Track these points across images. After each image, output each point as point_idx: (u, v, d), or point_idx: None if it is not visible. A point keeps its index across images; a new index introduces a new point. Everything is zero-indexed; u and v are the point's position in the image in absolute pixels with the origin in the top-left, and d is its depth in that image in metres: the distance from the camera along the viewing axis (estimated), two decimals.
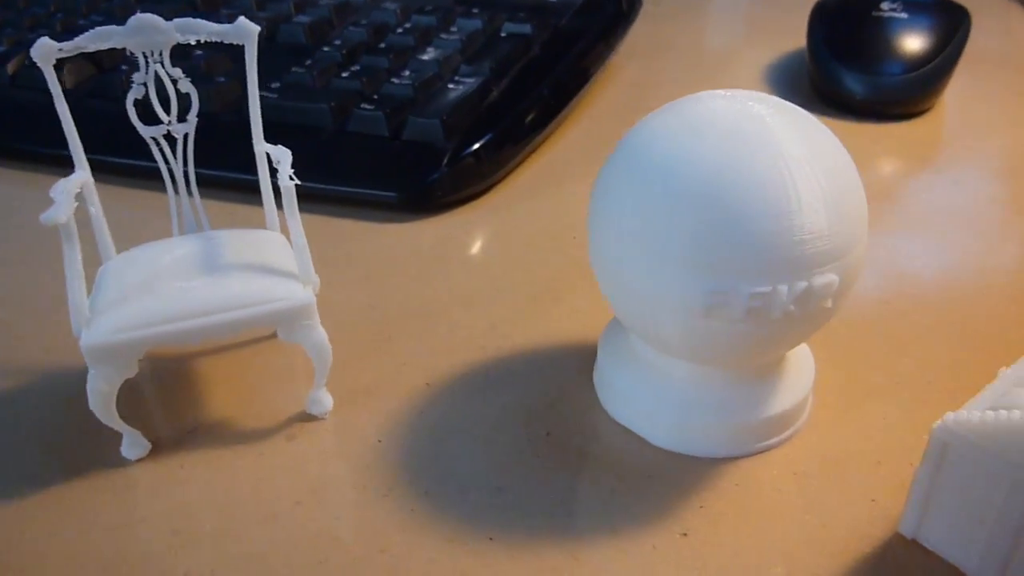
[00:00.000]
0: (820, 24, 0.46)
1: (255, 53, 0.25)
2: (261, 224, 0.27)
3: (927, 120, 0.44)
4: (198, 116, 0.25)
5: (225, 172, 0.36)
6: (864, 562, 0.21)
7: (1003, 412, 0.18)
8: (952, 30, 0.44)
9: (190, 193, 0.26)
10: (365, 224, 0.35)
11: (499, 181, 0.38)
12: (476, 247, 0.33)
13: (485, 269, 0.32)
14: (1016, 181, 0.38)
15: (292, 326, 0.23)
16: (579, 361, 0.27)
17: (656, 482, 0.23)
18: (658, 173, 0.21)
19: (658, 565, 0.21)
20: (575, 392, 0.26)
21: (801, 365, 0.25)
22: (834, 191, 0.21)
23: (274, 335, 0.27)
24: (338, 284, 0.31)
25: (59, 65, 0.42)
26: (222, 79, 0.39)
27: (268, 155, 0.25)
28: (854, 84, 0.44)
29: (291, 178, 0.23)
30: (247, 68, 0.25)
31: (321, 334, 0.24)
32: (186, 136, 0.25)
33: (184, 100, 0.25)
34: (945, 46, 0.44)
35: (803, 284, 0.20)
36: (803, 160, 0.20)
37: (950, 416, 0.19)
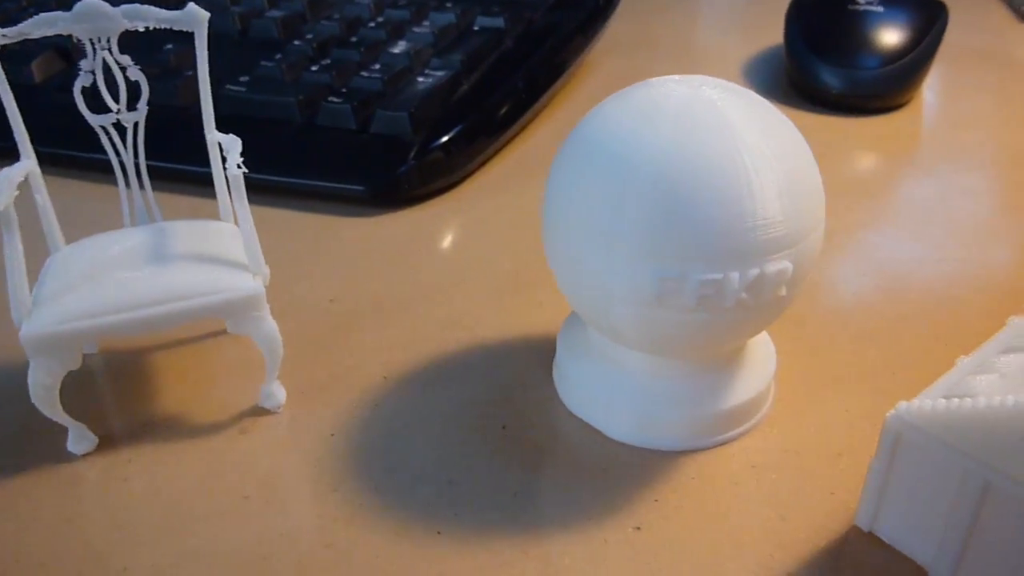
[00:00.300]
0: (797, 18, 0.46)
1: (205, 40, 0.25)
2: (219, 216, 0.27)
3: (904, 114, 0.44)
4: (151, 106, 0.25)
5: (194, 167, 0.36)
6: (820, 555, 0.20)
7: (955, 400, 0.18)
8: (929, 24, 0.44)
9: (141, 184, 0.25)
10: (332, 218, 0.34)
11: (470, 174, 0.37)
12: (443, 241, 0.33)
13: (450, 262, 0.32)
14: (990, 175, 0.38)
15: (240, 318, 0.23)
16: (540, 354, 0.27)
17: (611, 476, 0.22)
18: (607, 159, 0.20)
19: (609, 559, 0.20)
20: (534, 385, 0.25)
21: (762, 356, 0.24)
22: (788, 176, 0.20)
23: None
24: (301, 278, 0.31)
25: (28, 59, 0.41)
26: (190, 73, 0.39)
27: (220, 145, 0.25)
28: (830, 78, 0.43)
29: (239, 167, 0.23)
30: (197, 55, 0.25)
31: (271, 326, 0.23)
32: (136, 125, 0.25)
33: (134, 88, 0.24)
34: (921, 40, 0.43)
35: (755, 271, 0.20)
36: (756, 144, 0.20)
37: (903, 405, 0.19)
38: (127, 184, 0.25)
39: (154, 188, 0.26)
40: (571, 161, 0.21)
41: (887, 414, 0.19)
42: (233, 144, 0.23)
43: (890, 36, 0.43)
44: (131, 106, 0.25)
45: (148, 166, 0.36)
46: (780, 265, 0.20)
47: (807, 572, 0.20)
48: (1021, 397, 0.17)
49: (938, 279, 0.30)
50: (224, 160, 0.23)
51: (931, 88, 0.47)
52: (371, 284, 0.30)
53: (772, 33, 0.50)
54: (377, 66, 0.39)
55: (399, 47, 0.40)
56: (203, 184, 0.35)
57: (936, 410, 0.18)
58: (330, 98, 0.36)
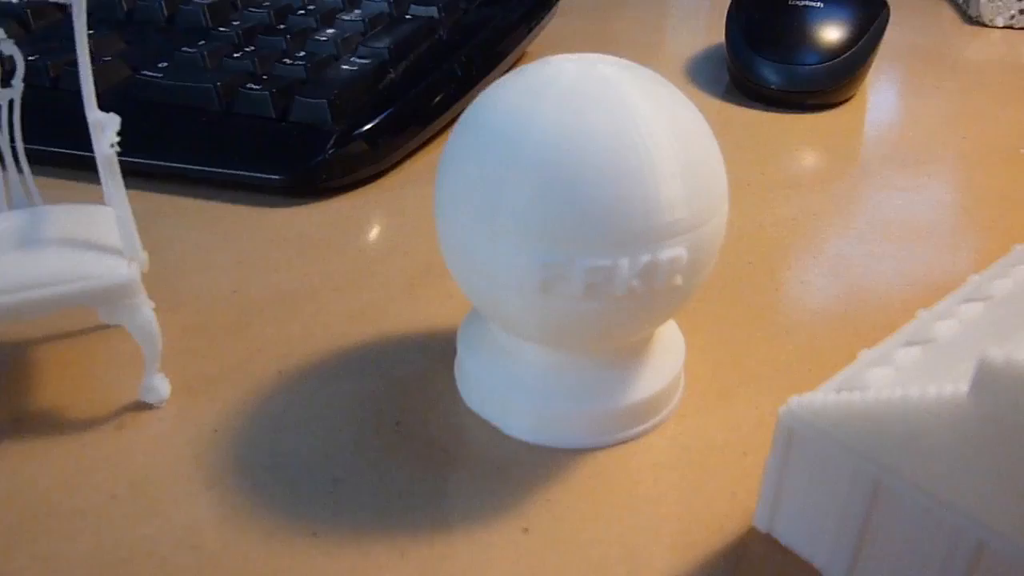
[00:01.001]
0: (738, 14, 0.45)
1: (84, 12, 0.23)
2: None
3: (844, 111, 0.43)
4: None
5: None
6: (715, 557, 0.19)
7: (845, 394, 0.17)
8: (869, 20, 0.43)
9: (19, 166, 0.24)
10: (248, 208, 0.33)
11: (395, 165, 0.36)
12: (359, 231, 0.32)
13: (363, 254, 0.30)
14: (924, 173, 0.37)
15: (113, 306, 0.21)
16: (444, 348, 0.25)
17: (504, 474, 0.21)
18: (494, 138, 0.19)
19: (491, 563, 0.19)
20: (434, 380, 0.24)
21: (669, 350, 0.23)
22: (686, 159, 0.19)
23: None
24: (205, 268, 0.29)
25: None
26: (108, 58, 0.37)
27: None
28: (770, 74, 0.43)
29: (113, 146, 0.21)
30: (75, 28, 0.24)
31: (146, 315, 0.22)
32: (11, 103, 0.23)
33: (8, 64, 0.23)
34: (861, 36, 0.43)
35: (647, 258, 0.19)
36: (651, 124, 0.19)
37: (794, 400, 0.18)
38: (3, 166, 0.24)
39: (50, 173, 0.24)
40: (458, 141, 0.20)
41: (779, 409, 0.18)
42: (110, 122, 0.22)
43: (829, 32, 0.43)
44: (5, 82, 0.23)
45: (46, 151, 0.34)
46: (674, 252, 0.19)
47: (698, 574, 0.19)
48: (909, 391, 0.16)
49: (863, 274, 0.30)
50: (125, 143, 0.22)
51: (873, 86, 0.46)
52: (278, 275, 0.29)
53: (717, 30, 0.49)
54: (302, 54, 0.38)
55: (326, 35, 0.39)
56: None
57: (826, 404, 0.17)
58: (249, 85, 0.35)
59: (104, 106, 0.36)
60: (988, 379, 0.14)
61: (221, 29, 0.40)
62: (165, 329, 0.26)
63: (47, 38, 0.40)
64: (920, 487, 0.16)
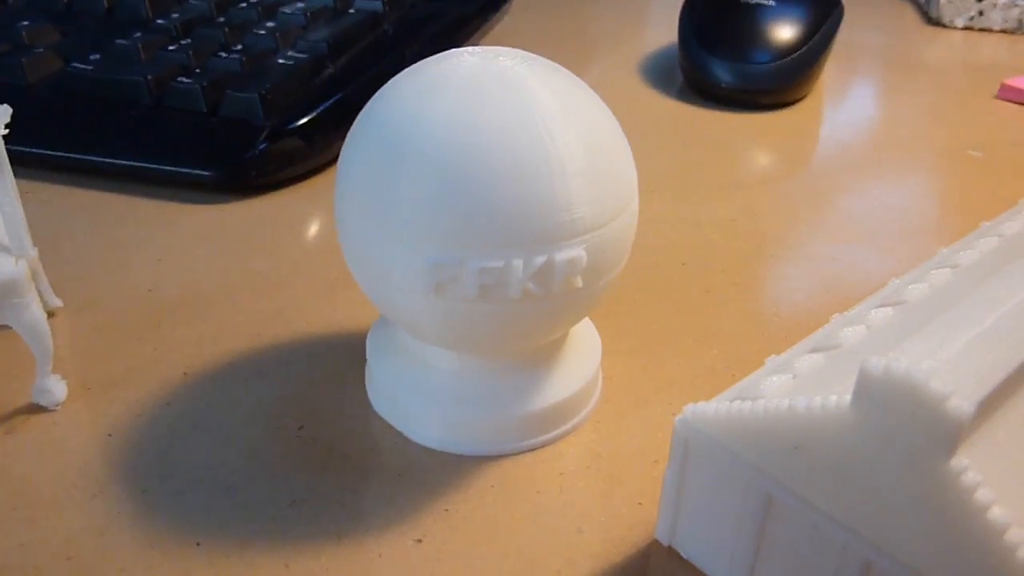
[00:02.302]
0: (691, 13, 0.45)
1: None
2: None
3: (797, 110, 0.43)
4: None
5: (37, 149, 0.33)
6: (614, 570, 0.19)
7: (738, 402, 0.16)
8: (821, 19, 0.43)
9: None
10: (174, 204, 0.32)
11: (332, 162, 0.35)
12: (287, 230, 0.31)
13: (287, 253, 0.30)
14: (867, 173, 0.37)
15: None
16: (359, 352, 0.25)
17: (404, 483, 0.21)
18: (387, 135, 0.19)
19: (381, 574, 0.18)
20: (344, 385, 0.24)
21: (582, 355, 0.23)
22: (587, 156, 0.18)
23: None
24: (122, 266, 0.28)
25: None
26: (40, 49, 0.36)
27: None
28: (722, 73, 0.42)
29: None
30: None
31: (34, 315, 0.21)
32: None
33: None
34: (813, 35, 0.42)
35: (542, 259, 0.18)
36: (550, 120, 0.18)
37: (689, 408, 0.17)
38: None
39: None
40: (353, 139, 0.20)
41: (675, 419, 0.18)
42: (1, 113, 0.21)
43: (781, 31, 0.42)
44: None
45: None
46: (572, 253, 0.18)
47: None
48: (796, 401, 0.15)
49: (799, 277, 0.29)
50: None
51: (829, 85, 0.46)
52: (197, 274, 0.28)
53: (670, 31, 0.49)
54: (239, 47, 0.37)
55: (265, 28, 0.38)
56: (55, 168, 0.33)
57: (719, 414, 0.17)
58: (180, 78, 0.34)
59: (34, 98, 0.36)
60: (868, 389, 0.14)
61: (159, 21, 0.39)
62: (73, 328, 0.25)
63: None
64: (809, 501, 0.15)
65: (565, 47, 0.50)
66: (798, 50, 0.42)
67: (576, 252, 0.18)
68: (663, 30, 0.52)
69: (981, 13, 0.56)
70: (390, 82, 0.20)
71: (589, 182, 0.18)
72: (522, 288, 0.18)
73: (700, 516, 0.18)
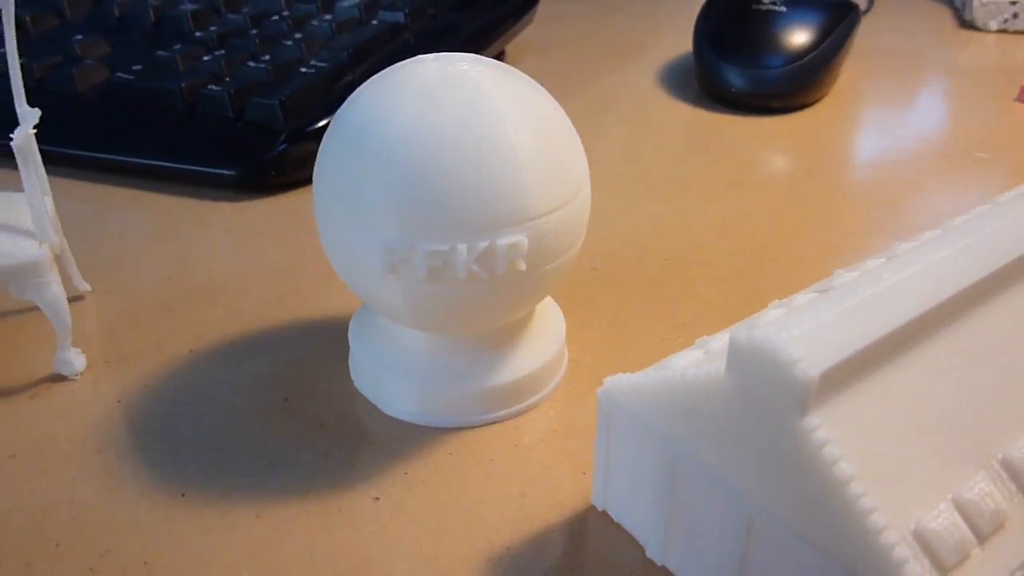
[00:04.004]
0: (705, 21, 0.46)
1: (11, 14, 0.25)
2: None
3: (809, 113, 0.44)
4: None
5: (84, 151, 0.37)
6: (546, 532, 0.20)
7: (649, 372, 0.18)
8: (834, 23, 0.44)
9: None
10: (200, 202, 0.35)
11: None
12: (298, 226, 0.33)
13: (296, 246, 0.32)
14: (869, 175, 0.38)
15: (23, 283, 0.23)
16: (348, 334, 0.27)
17: (372, 449, 0.23)
18: (353, 131, 0.21)
19: (339, 525, 0.20)
20: (331, 364, 0.26)
21: (544, 338, 0.24)
22: (532, 151, 0.20)
23: None
24: (147, 256, 0.31)
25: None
26: (89, 61, 0.40)
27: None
28: (735, 78, 0.43)
29: (29, 136, 0.23)
30: (4, 27, 0.26)
31: (55, 293, 0.24)
32: None
33: None
34: (825, 39, 0.43)
35: (484, 244, 0.20)
36: (497, 117, 0.20)
37: (609, 380, 0.19)
38: None
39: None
40: (327, 137, 0.22)
41: (598, 391, 0.19)
42: (28, 117, 0.24)
43: (793, 36, 0.43)
44: None
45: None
46: (514, 239, 0.20)
47: (526, 546, 0.20)
48: (688, 370, 0.17)
49: (776, 274, 0.30)
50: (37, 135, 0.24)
51: (847, 88, 0.47)
52: (213, 265, 0.31)
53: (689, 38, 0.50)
54: (267, 57, 0.40)
55: (294, 39, 0.41)
56: (97, 168, 0.37)
57: (631, 384, 0.18)
58: (210, 86, 0.37)
59: (82, 105, 0.39)
60: (737, 357, 0.15)
61: (198, 34, 0.42)
62: (98, 310, 0.28)
63: (46, 41, 0.42)
64: (703, 463, 0.17)
65: (587, 56, 0.51)
66: (809, 54, 0.43)
67: (518, 238, 0.20)
68: (682, 38, 0.53)
69: (1016, 16, 0.56)
70: (360, 87, 0.22)
71: (534, 173, 0.20)
72: (467, 270, 0.20)
73: (625, 481, 0.20)
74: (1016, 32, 0.56)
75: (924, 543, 0.14)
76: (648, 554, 0.19)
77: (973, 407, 0.16)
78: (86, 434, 0.23)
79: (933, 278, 0.16)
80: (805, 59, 0.43)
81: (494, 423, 0.24)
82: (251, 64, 0.39)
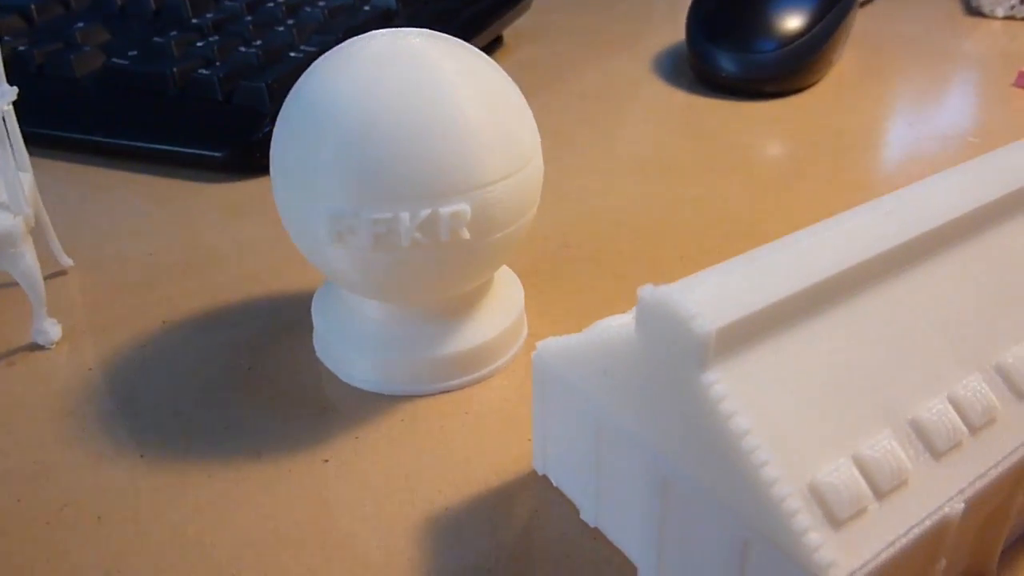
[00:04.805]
0: (698, 6, 0.46)
1: None
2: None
3: (801, 99, 0.44)
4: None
5: (79, 135, 0.38)
6: (486, 494, 0.21)
7: (576, 335, 0.18)
8: (827, 7, 0.43)
9: None
10: (190, 183, 0.36)
11: None
12: None
13: (277, 224, 0.32)
14: (852, 161, 0.37)
15: None
16: None
17: (327, 415, 0.23)
18: (301, 105, 0.21)
19: (287, 485, 0.21)
20: (298, 335, 0.26)
21: (500, 310, 0.25)
22: (476, 122, 0.21)
23: None
24: (132, 234, 0.32)
25: None
26: (88, 48, 0.41)
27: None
28: (727, 63, 0.43)
29: (5, 111, 0.24)
30: None
31: (28, 264, 0.25)
32: None
33: None
34: (817, 23, 0.43)
35: (427, 212, 0.20)
36: (441, 88, 0.21)
37: (540, 344, 0.19)
38: None
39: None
40: (282, 110, 0.22)
41: (532, 355, 0.20)
42: (5, 94, 0.25)
43: (784, 20, 0.43)
44: None
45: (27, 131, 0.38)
46: (456, 207, 0.21)
47: (464, 507, 0.20)
48: (603, 330, 0.17)
49: (740, 247, 0.30)
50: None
51: (845, 73, 0.46)
52: (196, 241, 0.32)
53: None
54: (258, 42, 0.40)
55: (286, 25, 0.42)
56: (94, 152, 0.38)
57: (559, 346, 0.19)
58: (200, 70, 0.38)
59: (80, 90, 0.40)
60: (644, 314, 0.15)
61: (195, 21, 0.43)
62: (80, 284, 0.29)
63: (49, 30, 0.44)
64: (621, 423, 0.17)
65: (583, 43, 0.52)
66: (800, 39, 0.43)
67: (460, 206, 0.21)
68: (679, 26, 0.53)
69: (1022, 2, 0.55)
70: (315, 61, 0.23)
71: (478, 143, 0.21)
72: (410, 238, 0.21)
73: (559, 445, 0.20)
74: (1023, 19, 0.55)
75: (818, 496, 0.14)
76: (582, 516, 0.20)
77: (885, 369, 0.16)
78: (56, 399, 0.24)
79: (847, 243, 0.17)
80: (797, 43, 0.43)
81: (449, 391, 0.24)
82: (242, 49, 0.40)
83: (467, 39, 0.44)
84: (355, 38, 0.23)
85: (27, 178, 0.27)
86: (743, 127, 0.41)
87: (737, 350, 0.15)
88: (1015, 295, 0.18)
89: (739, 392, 0.15)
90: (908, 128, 0.40)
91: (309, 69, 0.23)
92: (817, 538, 0.14)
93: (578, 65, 0.48)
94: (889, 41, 0.51)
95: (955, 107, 0.43)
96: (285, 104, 0.22)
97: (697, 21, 0.45)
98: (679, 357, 0.15)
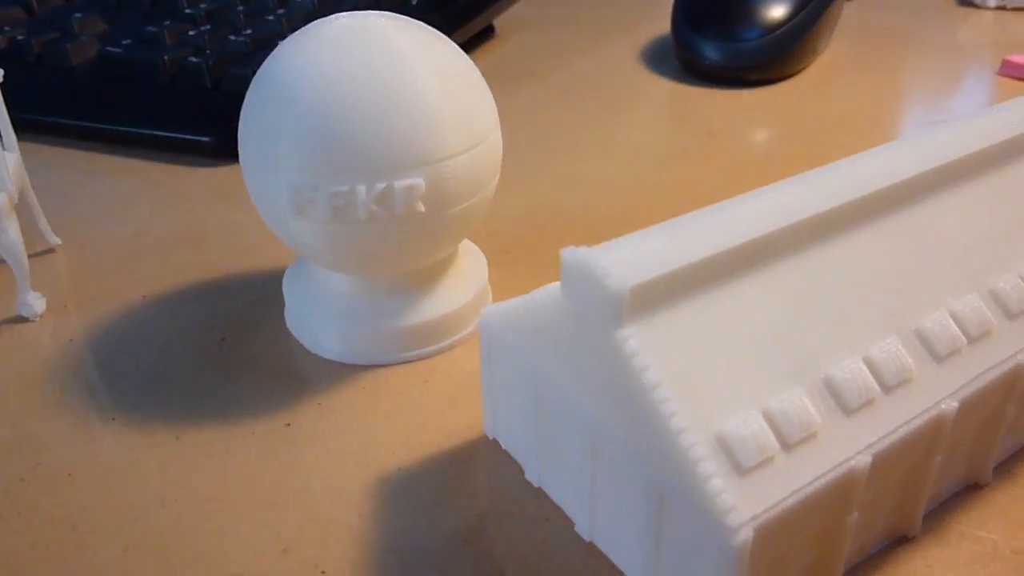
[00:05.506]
0: None
1: None
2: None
3: (785, 86, 0.44)
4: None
5: (73, 121, 0.39)
6: (438, 456, 0.22)
7: (519, 298, 0.19)
8: None
9: None
10: (179, 167, 0.37)
11: None
12: None
13: None
14: (826, 148, 0.38)
15: None
16: None
17: (292, 383, 0.24)
18: (264, 84, 0.22)
19: (250, 447, 0.22)
20: (271, 309, 0.27)
21: (462, 284, 0.26)
22: (432, 99, 0.22)
23: None
24: (120, 215, 0.33)
25: None
26: (84, 37, 0.42)
27: None
28: (710, 51, 0.44)
29: None
30: None
31: (12, 238, 0.26)
32: None
33: None
34: (800, 11, 0.43)
35: (382, 185, 0.21)
36: (398, 66, 0.21)
37: (486, 309, 0.20)
38: None
39: (29, 139, 0.28)
40: (248, 90, 0.23)
41: (478, 321, 0.20)
42: None
43: (767, 9, 0.43)
44: None
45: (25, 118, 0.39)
46: (411, 181, 0.22)
47: (416, 468, 0.21)
48: (538, 291, 0.18)
49: None
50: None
51: (830, 62, 0.47)
52: (180, 222, 0.33)
53: None
54: (249, 31, 0.41)
55: (276, 14, 0.43)
56: (96, 139, 0.39)
57: (502, 310, 0.19)
58: (190, 58, 0.39)
59: (75, 78, 0.41)
60: (567, 274, 0.16)
61: (188, 11, 0.44)
62: (67, 261, 0.30)
63: (48, 20, 0.45)
64: (554, 382, 0.18)
65: (574, 32, 0.52)
66: (784, 26, 0.43)
67: (415, 180, 0.22)
68: (669, 16, 0.54)
69: None
70: (281, 42, 0.24)
71: (433, 119, 0.22)
72: (367, 210, 0.22)
73: (506, 408, 0.21)
74: (1015, 9, 0.55)
75: (725, 446, 0.15)
76: (526, 476, 0.21)
77: (802, 331, 0.17)
78: (36, 368, 0.25)
79: (770, 211, 0.17)
80: (779, 31, 0.43)
81: (411, 362, 0.25)
82: (232, 38, 0.41)
83: (458, 28, 0.46)
84: (319, 20, 0.23)
85: (12, 157, 0.28)
86: (725, 114, 0.41)
87: (654, 308, 0.16)
88: (935, 263, 0.19)
89: (653, 347, 0.15)
90: (891, 116, 0.41)
91: (275, 50, 0.23)
92: (720, 484, 0.14)
93: (567, 54, 0.49)
94: (879, 31, 0.52)
95: (939, 96, 0.43)
96: (252, 84, 0.23)
97: (682, 10, 0.46)
98: (597, 314, 0.16)
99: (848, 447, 0.16)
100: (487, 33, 0.51)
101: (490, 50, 0.50)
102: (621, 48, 0.50)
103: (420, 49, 0.22)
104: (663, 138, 0.39)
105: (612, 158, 0.37)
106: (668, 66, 0.47)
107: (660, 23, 0.52)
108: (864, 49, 0.49)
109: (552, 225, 0.32)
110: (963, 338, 0.18)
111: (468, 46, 0.49)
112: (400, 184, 0.21)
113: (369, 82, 0.21)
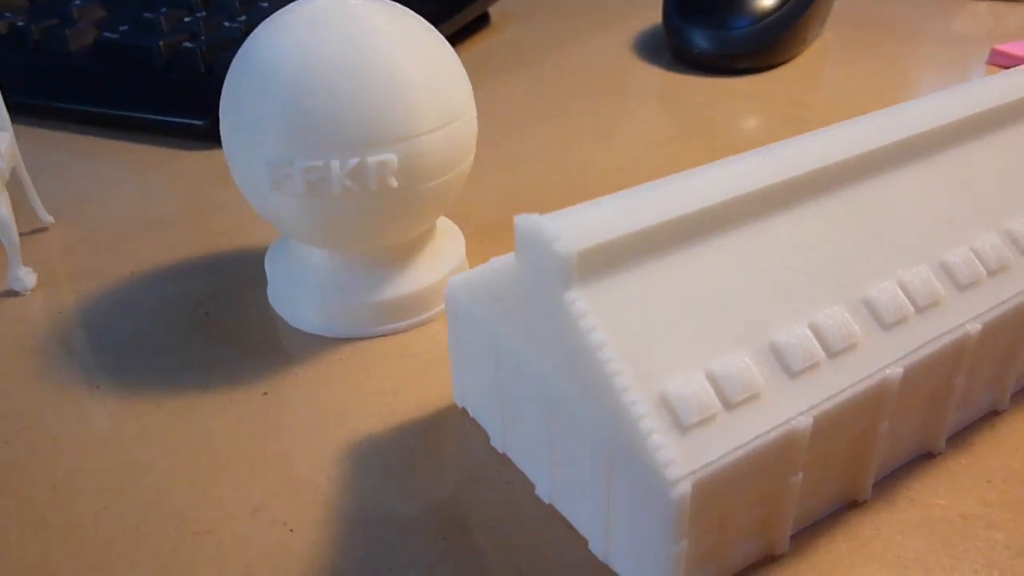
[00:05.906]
0: None
1: None
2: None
3: (774, 75, 0.45)
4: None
5: (70, 104, 0.40)
6: (411, 424, 0.22)
7: (481, 266, 0.20)
8: None
9: None
10: (169, 150, 0.38)
11: None
12: None
13: None
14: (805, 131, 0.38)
15: None
16: None
17: (271, 354, 0.25)
18: (243, 62, 0.23)
19: (227, 413, 0.23)
20: (255, 285, 0.28)
21: (439, 260, 0.26)
22: (405, 77, 0.22)
23: None
24: (111, 196, 0.34)
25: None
26: (82, 23, 0.43)
27: None
28: (700, 39, 0.44)
29: None
30: None
31: (2, 213, 0.27)
32: None
33: None
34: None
35: (355, 161, 0.22)
36: (372, 44, 0.22)
37: (452, 279, 0.21)
38: None
39: (26, 123, 0.29)
40: (229, 69, 0.24)
41: (444, 291, 0.21)
42: None
43: None
44: None
45: (25, 102, 0.40)
46: (383, 157, 0.22)
47: (386, 435, 0.22)
48: (497, 259, 0.18)
49: None
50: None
51: (821, 52, 0.47)
52: (169, 203, 0.34)
53: None
54: (243, 17, 0.42)
55: (271, 1, 0.44)
56: (92, 123, 0.40)
57: (466, 279, 0.20)
58: (185, 44, 0.40)
59: (74, 63, 0.42)
60: (520, 240, 0.17)
61: None
62: (59, 239, 0.31)
63: (48, 7, 0.46)
64: (512, 347, 0.19)
65: (568, 22, 0.53)
66: (773, 15, 0.44)
67: (387, 156, 0.22)
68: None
69: None
70: (262, 22, 0.24)
71: (406, 96, 0.22)
72: (341, 185, 0.22)
73: (472, 376, 0.21)
74: (1011, 0, 0.55)
75: (667, 404, 0.16)
76: (492, 443, 0.21)
77: (750, 297, 0.17)
78: (25, 339, 0.26)
79: (724, 181, 0.18)
80: (768, 20, 0.43)
81: (388, 335, 0.26)
82: (227, 24, 0.41)
83: (453, 15, 0.46)
84: (296, 3, 0.24)
85: (5, 136, 0.29)
86: (714, 102, 0.42)
87: (602, 272, 0.16)
88: (887, 236, 0.19)
89: (600, 310, 0.16)
90: (880, 105, 0.41)
91: (255, 29, 0.24)
92: (660, 439, 0.15)
93: (561, 43, 0.49)
94: (873, 20, 0.52)
95: (928, 84, 0.44)
96: (232, 62, 0.24)
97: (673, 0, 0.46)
98: (548, 278, 0.16)
99: (790, 408, 0.16)
100: (482, 21, 0.52)
101: (485, 38, 0.50)
102: (613, 37, 0.50)
103: (394, 27, 0.23)
104: (653, 125, 0.39)
105: (603, 145, 0.38)
106: (660, 55, 0.47)
107: (653, 13, 0.53)
108: (855, 38, 0.49)
109: (537, 208, 0.32)
110: (911, 307, 0.18)
111: (463, 34, 0.49)
112: (373, 159, 0.22)
113: (343, 59, 0.22)
